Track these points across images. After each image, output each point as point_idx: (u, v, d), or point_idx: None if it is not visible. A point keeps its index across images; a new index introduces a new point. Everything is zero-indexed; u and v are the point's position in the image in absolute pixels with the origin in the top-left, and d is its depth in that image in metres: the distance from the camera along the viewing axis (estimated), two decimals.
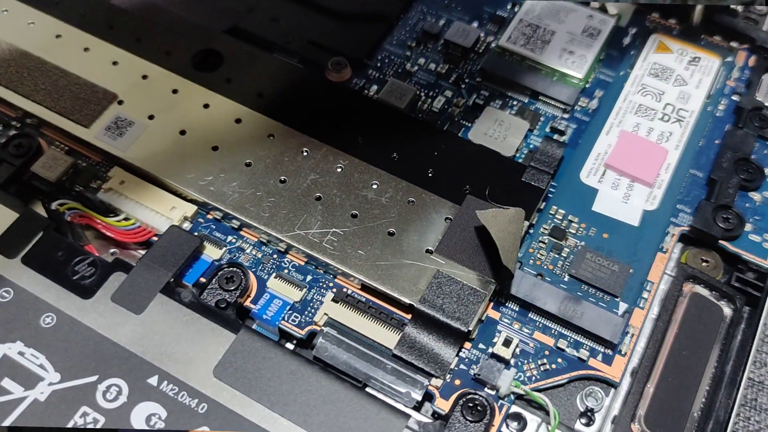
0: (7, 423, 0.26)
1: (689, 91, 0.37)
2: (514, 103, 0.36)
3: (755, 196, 0.34)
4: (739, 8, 0.40)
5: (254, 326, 0.30)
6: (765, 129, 0.36)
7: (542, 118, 0.36)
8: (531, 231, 0.32)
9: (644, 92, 0.37)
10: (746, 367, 0.29)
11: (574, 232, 0.32)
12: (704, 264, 0.32)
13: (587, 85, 0.37)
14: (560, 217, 0.33)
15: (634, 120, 0.36)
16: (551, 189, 0.33)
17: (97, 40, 0.36)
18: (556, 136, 0.35)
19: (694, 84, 0.37)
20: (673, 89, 0.37)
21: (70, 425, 0.26)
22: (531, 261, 0.31)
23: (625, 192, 0.33)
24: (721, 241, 0.32)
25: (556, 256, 0.31)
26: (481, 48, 0.38)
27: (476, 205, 0.31)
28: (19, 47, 0.36)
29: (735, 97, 0.37)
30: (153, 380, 0.27)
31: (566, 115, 0.36)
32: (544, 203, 0.33)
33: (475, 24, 0.39)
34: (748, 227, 0.33)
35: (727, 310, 0.30)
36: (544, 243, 0.32)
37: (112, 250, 0.32)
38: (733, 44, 0.39)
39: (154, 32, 0.37)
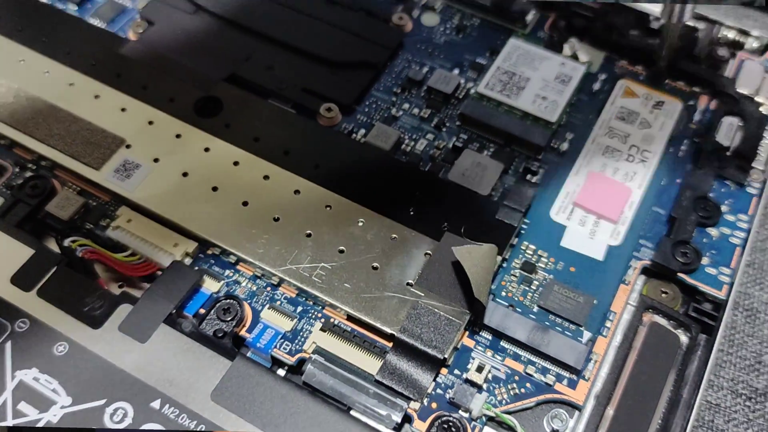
0: None
1: (653, 133, 0.40)
2: (491, 145, 0.39)
3: (713, 231, 0.37)
4: (702, 55, 0.43)
5: (249, 354, 0.32)
6: (724, 169, 0.39)
7: (516, 160, 0.39)
8: (504, 265, 0.35)
9: (611, 134, 0.39)
10: (700, 391, 0.32)
11: (543, 266, 0.35)
12: (664, 295, 0.35)
13: (559, 128, 0.40)
14: (531, 252, 0.35)
15: (601, 161, 0.38)
16: (523, 226, 0.36)
17: (107, 88, 0.39)
18: (528, 177, 0.38)
19: (657, 126, 0.40)
20: (638, 131, 0.40)
21: None
22: (503, 293, 0.34)
23: (592, 228, 0.36)
24: (679, 274, 0.35)
25: (527, 288, 0.34)
26: (461, 94, 0.41)
27: (453, 242, 0.34)
28: (35, 95, 0.39)
29: (696, 139, 0.40)
30: (156, 404, 0.30)
31: (539, 157, 0.39)
32: (516, 239, 0.36)
33: (456, 71, 0.42)
34: (705, 261, 0.35)
35: (684, 338, 0.33)
36: (515, 276, 0.34)
37: (119, 284, 0.35)
38: (696, 89, 0.42)
39: (159, 80, 0.40)
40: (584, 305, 0.33)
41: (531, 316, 0.33)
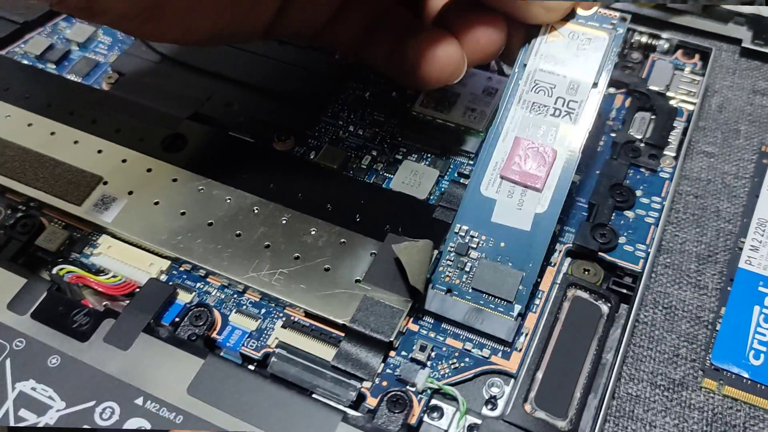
0: None
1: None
2: (428, 155, 0.44)
3: (629, 213, 0.41)
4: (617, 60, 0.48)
5: (221, 353, 0.37)
6: (637, 158, 0.43)
7: (451, 166, 0.43)
8: (441, 252, 0.38)
9: (537, 89, 0.38)
10: (620, 351, 0.36)
11: (475, 245, 0.37)
12: (586, 273, 0.39)
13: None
14: (463, 233, 0.37)
15: (528, 119, 0.38)
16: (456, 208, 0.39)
17: (84, 134, 0.44)
18: (462, 180, 0.42)
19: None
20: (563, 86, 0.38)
21: None
22: (442, 277, 0.37)
23: (519, 199, 0.37)
24: (600, 253, 0.39)
25: (461, 271, 0.37)
26: (400, 113, 0.46)
27: (396, 241, 0.38)
28: (21, 145, 0.44)
29: (612, 134, 0.45)
30: (139, 401, 0.34)
31: (471, 162, 0.43)
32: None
33: (394, 93, 0.47)
34: (622, 240, 0.40)
35: (605, 308, 0.37)
36: (451, 261, 0.38)
37: (104, 303, 0.39)
38: (611, 90, 0.47)
39: (129, 123, 0.45)
40: (512, 281, 0.36)
41: (467, 297, 0.37)
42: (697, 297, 0.40)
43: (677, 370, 0.37)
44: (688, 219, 0.43)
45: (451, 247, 0.38)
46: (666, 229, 0.42)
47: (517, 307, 0.36)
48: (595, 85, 0.37)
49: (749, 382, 0.36)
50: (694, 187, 0.44)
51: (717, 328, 0.38)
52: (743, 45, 0.51)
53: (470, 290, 0.37)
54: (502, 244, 0.37)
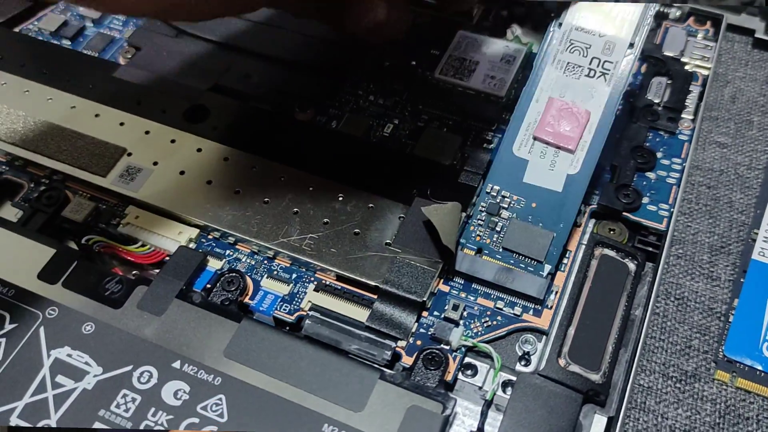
0: (64, 408, 0.33)
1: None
2: (450, 122, 0.44)
3: (650, 175, 0.42)
4: None
5: (255, 317, 0.37)
6: (656, 122, 0.44)
7: (473, 132, 0.43)
8: (471, 214, 0.38)
9: (572, 49, 0.39)
10: (649, 307, 0.36)
11: (506, 206, 0.38)
12: (611, 232, 0.39)
13: (509, 102, 0.44)
14: (495, 194, 0.38)
15: (562, 81, 0.38)
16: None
17: (105, 107, 0.44)
18: (484, 145, 0.43)
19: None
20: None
21: (113, 405, 0.33)
22: (473, 237, 0.38)
23: (552, 159, 0.38)
24: (624, 213, 0.40)
25: (492, 230, 0.38)
26: (419, 81, 0.46)
27: (423, 205, 0.38)
28: (41, 119, 0.44)
29: (631, 99, 0.45)
30: (176, 364, 0.34)
31: (492, 128, 0.44)
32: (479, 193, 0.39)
33: (413, 62, 0.47)
34: (645, 200, 0.40)
35: (632, 266, 0.38)
36: (482, 221, 0.38)
37: (133, 272, 0.39)
38: None
39: (151, 96, 0.45)
40: (543, 241, 0.37)
41: (497, 257, 0.37)
42: (710, 288, 0.40)
43: (689, 361, 0.38)
44: (700, 210, 0.43)
45: (482, 206, 0.38)
46: (678, 219, 0.42)
47: (547, 267, 0.37)
48: (631, 45, 0.37)
49: (763, 374, 0.37)
50: (706, 178, 0.45)
51: (730, 320, 0.38)
52: (756, 36, 0.52)
53: (501, 249, 0.37)
54: (534, 205, 0.38)
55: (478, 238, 0.38)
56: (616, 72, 0.38)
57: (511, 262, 0.37)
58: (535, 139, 0.38)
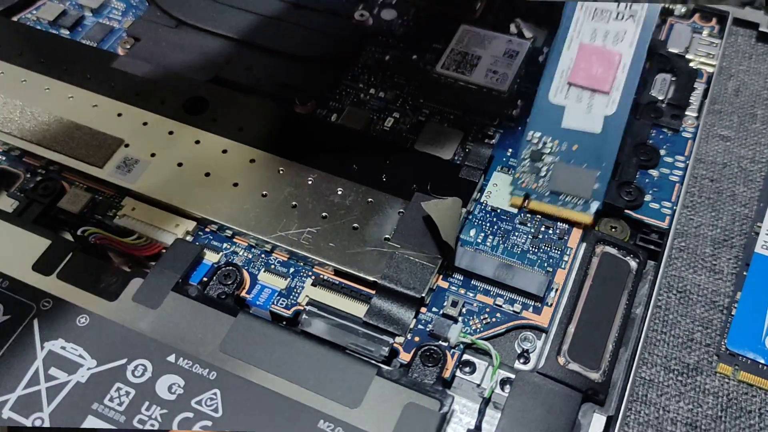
0: (57, 401, 0.33)
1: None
2: (451, 117, 0.44)
3: (653, 172, 0.41)
4: None
5: (251, 312, 0.36)
6: (659, 119, 0.43)
7: (474, 127, 0.43)
8: (513, 161, 0.39)
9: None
10: (650, 306, 0.36)
11: (548, 151, 0.38)
12: (613, 230, 0.39)
13: (512, 96, 0.44)
14: (536, 140, 0.39)
15: (591, 26, 0.40)
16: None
17: (103, 98, 0.44)
18: (486, 140, 0.42)
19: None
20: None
21: (107, 399, 0.33)
22: (519, 183, 0.39)
23: (588, 102, 0.38)
24: (626, 210, 0.39)
25: (537, 175, 0.38)
26: (420, 75, 0.46)
27: (423, 200, 0.38)
28: (38, 109, 0.43)
29: (634, 95, 0.45)
30: (171, 358, 0.34)
31: (494, 123, 0.43)
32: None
33: (414, 56, 0.47)
34: (647, 198, 0.40)
35: (633, 264, 0.37)
36: (526, 168, 0.39)
37: (129, 264, 0.39)
38: None
39: (150, 86, 0.44)
40: (588, 180, 0.37)
41: (546, 200, 0.38)
42: (712, 281, 0.40)
43: (692, 354, 0.37)
44: (703, 203, 0.43)
45: (525, 154, 0.38)
46: (681, 212, 0.42)
47: (594, 204, 0.37)
48: None
49: (765, 367, 0.36)
50: (709, 171, 0.44)
51: (732, 313, 0.38)
52: (760, 29, 0.51)
53: (548, 193, 0.38)
54: (575, 147, 0.38)
55: (524, 184, 0.38)
56: (643, 12, 0.39)
57: (559, 203, 0.38)
58: (570, 84, 0.39)
